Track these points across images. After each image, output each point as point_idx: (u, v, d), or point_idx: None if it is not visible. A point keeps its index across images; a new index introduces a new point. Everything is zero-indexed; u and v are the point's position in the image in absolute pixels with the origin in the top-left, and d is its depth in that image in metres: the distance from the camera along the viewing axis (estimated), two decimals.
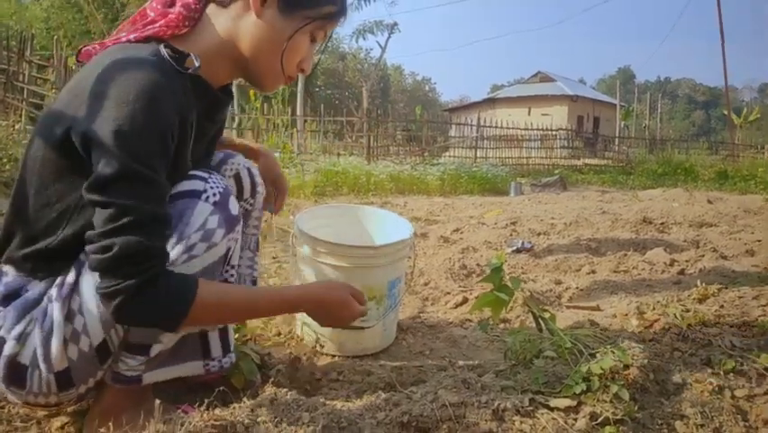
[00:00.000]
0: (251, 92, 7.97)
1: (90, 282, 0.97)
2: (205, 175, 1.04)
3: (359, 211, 1.96)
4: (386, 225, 1.86)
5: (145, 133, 0.89)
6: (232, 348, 1.16)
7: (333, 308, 1.15)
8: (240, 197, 1.37)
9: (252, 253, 1.45)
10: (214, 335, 1.12)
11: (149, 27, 1.03)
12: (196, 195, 1.01)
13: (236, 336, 1.50)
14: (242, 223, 1.09)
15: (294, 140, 12.10)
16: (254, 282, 1.46)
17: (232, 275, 1.13)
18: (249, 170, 1.35)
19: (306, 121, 13.76)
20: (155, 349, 1.03)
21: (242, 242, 1.41)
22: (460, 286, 2.44)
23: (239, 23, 1.04)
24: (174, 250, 0.98)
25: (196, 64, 1.00)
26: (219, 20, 1.05)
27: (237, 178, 1.35)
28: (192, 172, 1.04)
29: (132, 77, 0.90)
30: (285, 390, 1.16)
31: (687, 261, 2.77)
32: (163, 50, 0.98)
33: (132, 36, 1.03)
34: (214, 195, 1.02)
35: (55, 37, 11.16)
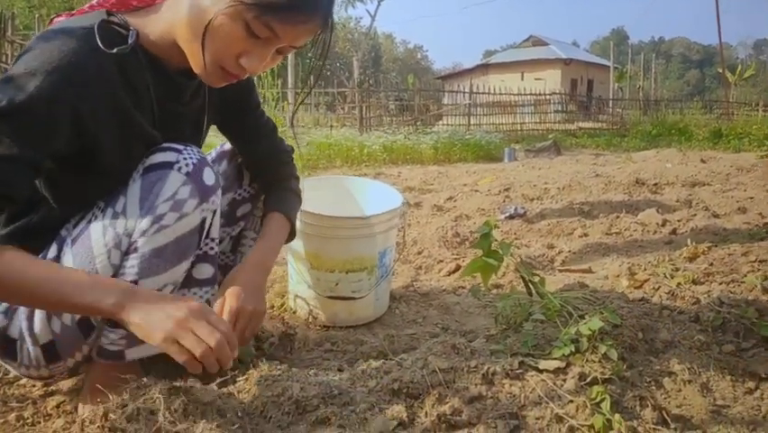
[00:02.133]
0: None
1: (70, 257, 0.99)
2: (180, 147, 1.03)
3: (348, 182, 1.95)
4: (376, 195, 1.85)
5: (34, 103, 0.85)
6: None
7: (153, 296, 0.93)
8: (239, 183, 1.37)
9: (257, 235, 1.45)
10: None
11: None
12: (168, 166, 1.01)
13: None
14: (219, 194, 1.07)
15: (286, 113, 12.01)
16: None
17: (212, 248, 1.13)
18: None
19: (297, 93, 13.62)
20: None
21: (248, 223, 1.42)
22: (453, 254, 2.45)
23: (180, 1, 0.96)
24: (143, 220, 0.99)
25: (129, 41, 0.96)
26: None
27: (238, 165, 1.36)
28: (166, 144, 1.04)
29: (47, 47, 0.88)
30: (276, 362, 1.17)
31: (679, 220, 2.77)
32: (101, 24, 0.94)
33: (95, 1, 1.02)
34: (187, 165, 1.01)
35: (37, 15, 10.94)
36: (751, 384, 1.17)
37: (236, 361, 1.29)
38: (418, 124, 11.47)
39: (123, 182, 1.03)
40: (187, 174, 1.01)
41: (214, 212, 1.08)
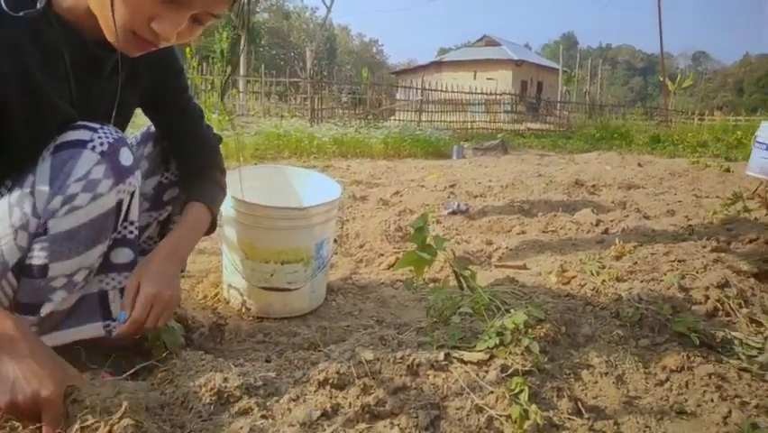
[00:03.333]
0: (187, 49, 7.65)
1: None
2: (96, 126, 0.99)
3: (289, 172, 1.93)
4: (316, 186, 1.84)
5: None
6: None
7: (23, 354, 0.82)
8: (165, 167, 1.34)
9: None
10: (115, 294, 1.09)
11: None
12: (81, 144, 0.96)
13: None
14: (137, 175, 1.04)
15: (237, 101, 11.77)
16: None
17: (131, 232, 1.09)
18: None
19: (248, 82, 13.38)
20: (46, 308, 0.99)
21: (175, 207, 1.39)
22: (394, 248, 2.47)
23: None
24: (54, 200, 0.95)
25: (39, 5, 0.90)
26: None
27: (164, 149, 1.33)
28: (80, 123, 0.99)
29: None
30: (201, 352, 1.15)
31: (612, 221, 2.89)
32: None
33: None
34: (102, 144, 0.98)
35: None
36: (662, 376, 1.23)
37: (162, 350, 1.27)
38: (370, 118, 11.47)
39: (32, 162, 0.98)
40: (102, 153, 0.97)
41: (133, 194, 1.05)
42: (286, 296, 1.63)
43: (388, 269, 2.23)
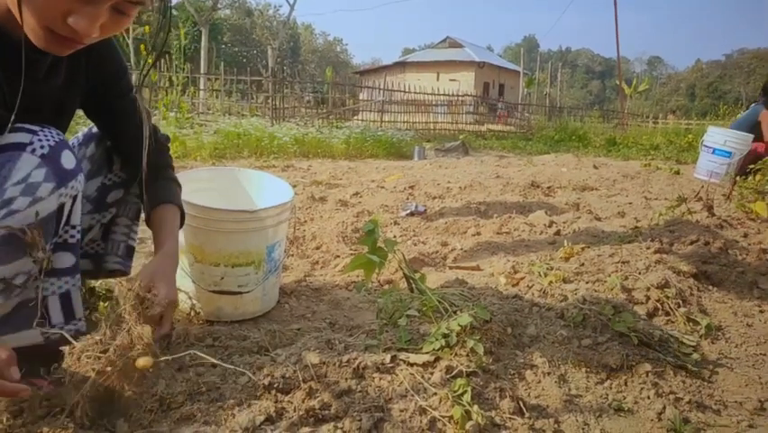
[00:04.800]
0: (141, 46, 7.48)
1: None
2: (35, 128, 0.97)
3: (241, 174, 1.91)
4: (268, 188, 1.83)
5: None
6: (78, 316, 1.10)
7: None
8: (109, 168, 1.32)
9: (130, 222, 1.41)
10: (54, 299, 1.06)
11: None
12: (20, 147, 0.94)
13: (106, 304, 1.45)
14: (80, 179, 1.02)
15: (197, 99, 11.55)
16: (129, 251, 1.42)
17: (72, 236, 1.07)
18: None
19: (209, 80, 13.14)
20: None
21: (120, 209, 1.36)
22: (351, 249, 2.47)
23: None
24: None
25: None
26: None
27: (107, 150, 1.31)
28: (19, 125, 0.96)
29: None
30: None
31: (564, 222, 2.96)
32: None
33: None
34: (42, 147, 0.95)
35: None
36: (602, 375, 1.28)
37: None
38: (332, 118, 11.43)
39: None
40: (43, 156, 0.95)
41: (75, 197, 1.02)
42: (236, 299, 1.61)
43: (343, 271, 2.23)
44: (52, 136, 0.98)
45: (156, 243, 1.25)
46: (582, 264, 1.86)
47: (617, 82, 20.58)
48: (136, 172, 1.33)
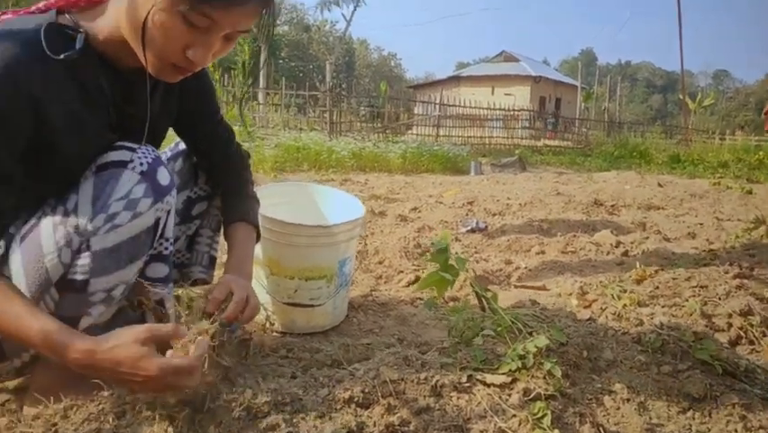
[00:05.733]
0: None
1: (18, 256, 0.98)
2: (134, 146, 1.04)
3: (312, 189, 1.96)
4: (339, 204, 1.87)
5: None
6: (171, 321, 1.16)
7: (111, 370, 0.87)
8: (195, 182, 1.38)
9: (213, 233, 1.46)
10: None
11: None
12: (122, 164, 1.01)
13: None
14: (174, 194, 1.08)
15: (257, 113, 11.92)
16: (212, 261, 1.48)
17: (166, 248, 1.13)
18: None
19: (268, 94, 13.55)
20: (85, 322, 1.03)
21: (204, 221, 1.43)
22: (413, 264, 2.49)
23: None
24: (96, 219, 0.98)
25: (77, 46, 0.95)
26: None
27: (193, 165, 1.38)
28: (119, 143, 1.04)
29: None
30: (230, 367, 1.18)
31: (632, 242, 2.88)
32: (48, 27, 0.93)
33: (42, 4, 1.00)
34: (141, 164, 1.02)
35: None
36: (684, 405, 1.23)
37: None
38: (388, 132, 11.53)
39: (75, 182, 1.02)
40: (142, 173, 1.01)
41: (169, 212, 1.08)
42: (309, 312, 1.65)
43: (408, 286, 2.25)
44: (150, 153, 1.04)
45: (229, 259, 1.27)
46: (657, 288, 1.80)
47: (681, 96, 19.90)
48: (219, 186, 1.40)
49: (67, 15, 0.98)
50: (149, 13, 0.89)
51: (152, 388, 0.88)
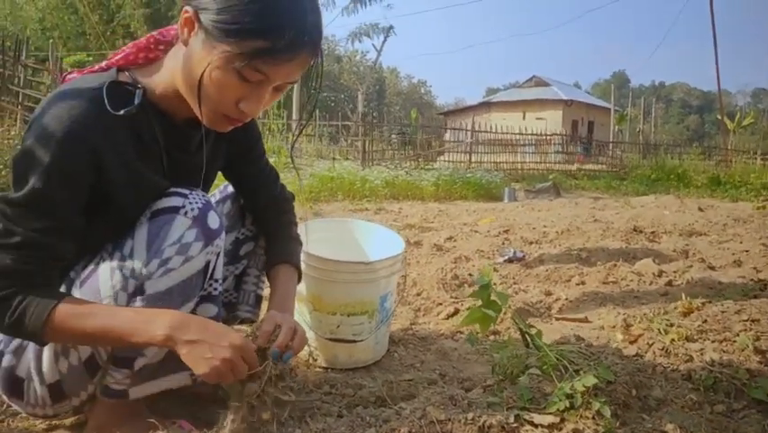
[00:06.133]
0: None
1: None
2: (185, 191, 1.08)
3: (353, 225, 1.99)
4: (379, 239, 1.89)
5: (51, 169, 0.92)
6: None
7: (200, 328, 0.98)
8: (242, 223, 1.43)
9: (259, 272, 1.49)
10: None
11: (118, 54, 1.07)
12: (174, 210, 1.05)
13: None
14: (223, 237, 1.12)
15: (290, 144, 12.16)
16: (258, 300, 1.51)
17: (215, 288, 1.17)
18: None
19: (299, 125, 13.81)
20: (139, 362, 1.07)
21: (250, 261, 1.47)
22: (452, 297, 2.48)
23: (179, 54, 1.01)
24: (150, 264, 1.03)
25: (136, 101, 1.01)
26: (176, 50, 1.05)
27: (240, 207, 1.42)
28: (172, 189, 1.09)
29: (57, 112, 0.94)
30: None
31: (675, 271, 2.81)
32: (110, 85, 1.00)
33: (104, 63, 1.08)
34: (193, 209, 1.06)
35: (51, 39, 11.18)
36: None
37: (239, 398, 1.32)
38: (420, 159, 11.59)
39: (131, 227, 1.07)
40: (193, 218, 1.06)
41: (218, 254, 1.12)
42: (351, 347, 1.67)
43: (447, 318, 2.24)
44: (200, 199, 1.09)
45: (272, 297, 1.30)
46: (705, 321, 1.76)
47: (719, 116, 19.47)
48: (264, 227, 1.44)
49: (126, 72, 1.05)
50: (204, 70, 0.94)
51: (226, 358, 0.96)
